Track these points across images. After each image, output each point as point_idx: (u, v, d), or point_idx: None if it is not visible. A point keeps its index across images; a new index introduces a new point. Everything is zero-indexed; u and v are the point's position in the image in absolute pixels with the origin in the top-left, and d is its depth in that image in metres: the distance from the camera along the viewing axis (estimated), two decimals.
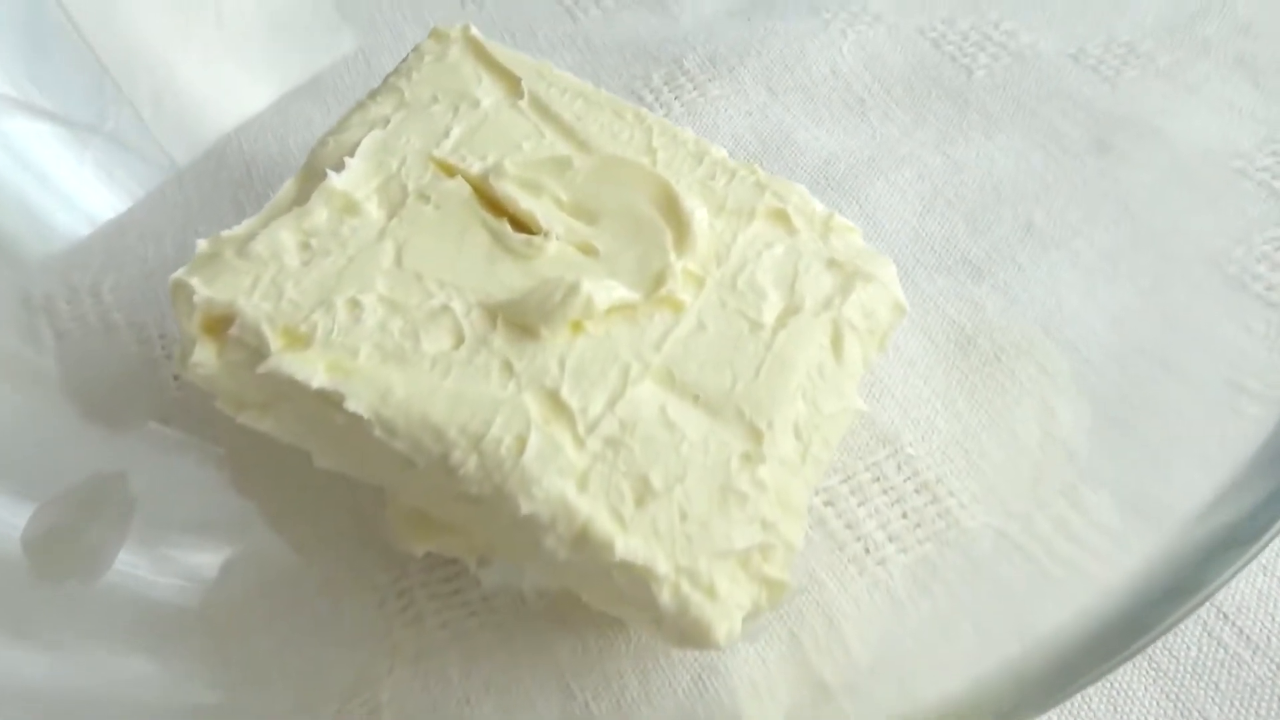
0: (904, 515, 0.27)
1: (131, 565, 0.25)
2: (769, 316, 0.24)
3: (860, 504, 0.27)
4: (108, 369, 0.30)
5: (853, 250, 0.26)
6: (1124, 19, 0.39)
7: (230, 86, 0.40)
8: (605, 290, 0.23)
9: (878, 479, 0.27)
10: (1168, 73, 0.37)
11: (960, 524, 0.26)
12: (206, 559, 0.25)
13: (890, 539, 0.26)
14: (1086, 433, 0.28)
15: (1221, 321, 0.30)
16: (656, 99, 0.38)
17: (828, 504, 0.27)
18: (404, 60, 0.27)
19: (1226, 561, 0.19)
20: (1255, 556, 0.19)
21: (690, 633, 0.21)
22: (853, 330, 0.25)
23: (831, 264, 0.25)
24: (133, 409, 0.29)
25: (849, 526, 0.26)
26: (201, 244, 0.23)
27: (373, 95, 0.26)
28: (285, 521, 0.27)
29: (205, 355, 0.22)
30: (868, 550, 0.26)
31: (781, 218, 0.26)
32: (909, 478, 0.27)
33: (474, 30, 0.28)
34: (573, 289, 0.22)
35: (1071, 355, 0.30)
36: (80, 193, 0.36)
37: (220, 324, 0.22)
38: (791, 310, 0.24)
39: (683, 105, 0.38)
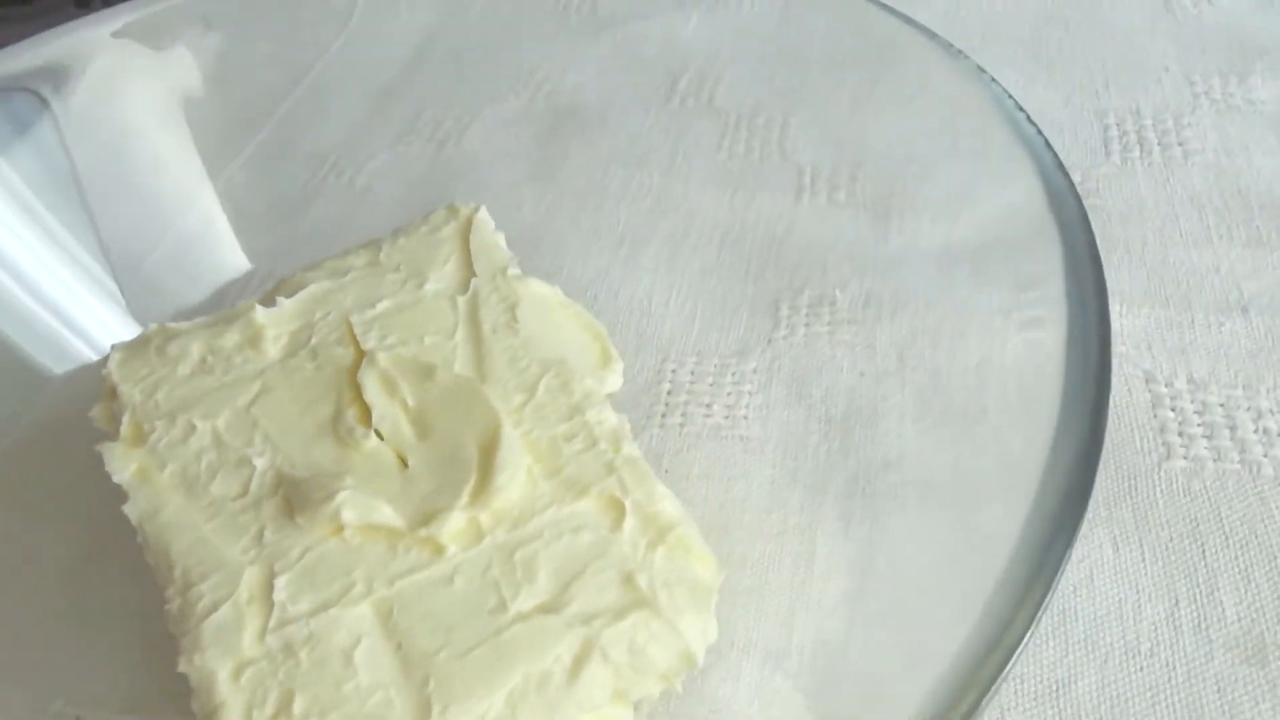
0: None
1: None
2: (522, 604, 0.23)
3: None
4: None
5: (675, 576, 0.23)
6: None
7: None
8: (365, 509, 0.23)
9: None
10: None
11: None
12: None
13: None
14: None
15: None
16: (790, 314, 0.36)
17: None
18: (410, 222, 0.30)
19: None
20: None
21: None
22: (605, 660, 0.22)
23: (627, 580, 0.23)
24: None
25: None
26: (152, 327, 0.28)
27: (359, 247, 0.29)
28: None
29: (100, 414, 0.26)
30: None
31: (614, 508, 0.24)
32: None
33: (482, 213, 0.29)
34: (329, 496, 0.23)
35: None
36: None
37: (115, 395, 0.26)
38: (549, 608, 0.23)
39: (805, 334, 0.35)
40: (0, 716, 0.27)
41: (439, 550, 0.23)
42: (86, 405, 0.27)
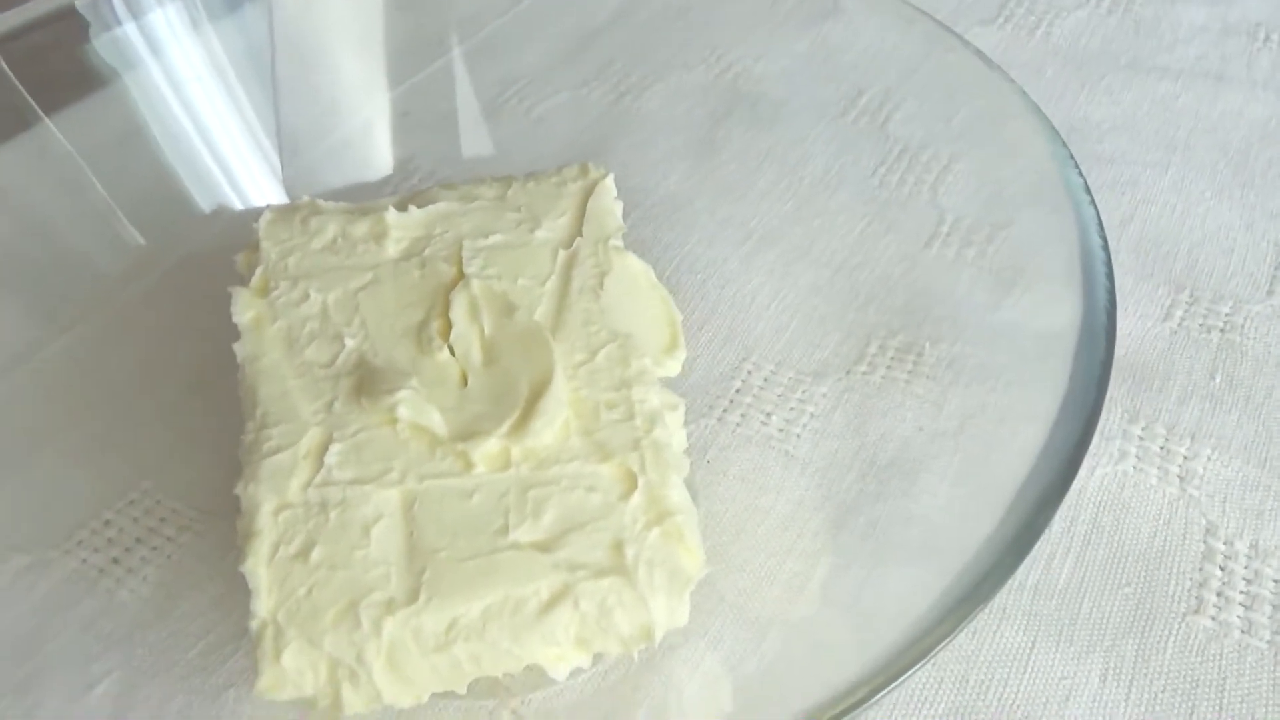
0: None
1: None
2: (522, 535, 0.25)
3: None
4: None
5: (660, 557, 0.25)
6: None
7: None
8: (419, 411, 0.26)
9: None
10: None
11: None
12: None
13: None
14: None
15: None
16: (877, 354, 0.36)
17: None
18: (545, 170, 0.32)
19: None
20: None
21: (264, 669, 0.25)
22: (575, 609, 0.24)
23: (617, 547, 0.25)
24: None
25: None
26: (304, 198, 0.31)
27: (494, 180, 0.32)
28: None
29: (242, 261, 0.31)
30: None
31: (629, 480, 0.26)
32: None
33: (608, 180, 0.31)
34: (392, 390, 0.26)
35: None
36: None
37: (257, 248, 0.30)
38: (543, 546, 0.25)
39: (884, 376, 0.35)
40: (100, 480, 0.32)
41: (469, 465, 0.26)
42: (234, 249, 0.32)
